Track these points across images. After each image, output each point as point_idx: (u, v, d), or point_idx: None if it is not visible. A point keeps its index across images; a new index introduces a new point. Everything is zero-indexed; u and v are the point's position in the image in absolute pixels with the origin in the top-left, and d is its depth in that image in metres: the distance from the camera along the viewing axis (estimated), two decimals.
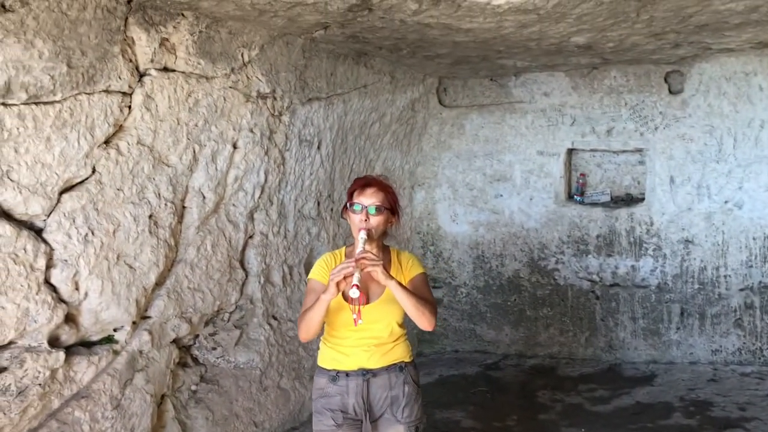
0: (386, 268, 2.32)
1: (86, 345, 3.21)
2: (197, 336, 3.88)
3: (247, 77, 3.79)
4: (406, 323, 2.53)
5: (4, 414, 2.70)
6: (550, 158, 5.84)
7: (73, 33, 2.75)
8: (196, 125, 3.54)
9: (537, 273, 5.98)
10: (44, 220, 2.89)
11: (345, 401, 2.37)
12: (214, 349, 3.98)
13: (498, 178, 6.03)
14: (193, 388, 3.80)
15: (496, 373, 5.60)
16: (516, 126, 5.89)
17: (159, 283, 3.50)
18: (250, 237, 4.14)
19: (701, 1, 3.28)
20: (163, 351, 3.56)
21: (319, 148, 4.61)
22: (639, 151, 5.63)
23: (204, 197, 3.70)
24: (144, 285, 3.37)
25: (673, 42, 4.28)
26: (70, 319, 3.06)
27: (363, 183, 2.43)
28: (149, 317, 3.47)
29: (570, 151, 5.86)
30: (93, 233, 3.07)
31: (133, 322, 3.36)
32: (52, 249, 2.91)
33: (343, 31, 3.80)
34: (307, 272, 4.69)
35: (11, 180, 2.69)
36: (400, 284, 2.28)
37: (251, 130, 3.92)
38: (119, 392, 3.23)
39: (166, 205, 3.45)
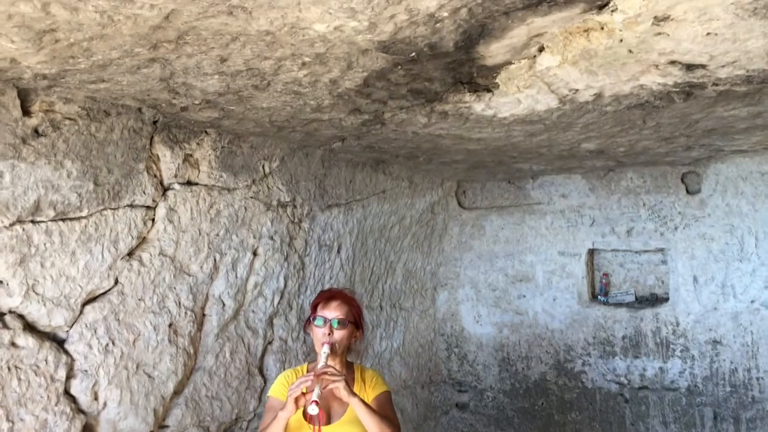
0: (349, 384, 2.24)
1: None
2: None
3: (268, 187, 3.94)
4: None
5: None
6: (571, 258, 5.82)
7: (101, 153, 2.92)
8: (218, 235, 3.65)
9: (564, 375, 5.83)
10: (67, 332, 2.96)
11: None
12: None
13: (520, 278, 6.01)
14: None
15: None
16: (536, 227, 5.93)
17: (177, 392, 3.51)
18: (269, 343, 4.16)
19: (704, 108, 3.36)
20: None
21: (339, 251, 4.69)
22: (660, 250, 5.59)
23: (224, 304, 3.76)
24: (162, 394, 3.38)
25: (684, 145, 4.34)
26: (88, 429, 3.07)
27: (327, 296, 2.41)
28: (167, 426, 3.45)
29: (591, 252, 5.84)
30: (113, 343, 3.12)
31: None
32: (73, 360, 2.96)
33: (360, 142, 3.96)
34: None
35: (36, 293, 2.79)
36: (363, 402, 2.18)
37: (271, 237, 4.02)
38: None
39: (186, 313, 3.51)
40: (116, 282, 3.14)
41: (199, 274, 3.58)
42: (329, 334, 2.29)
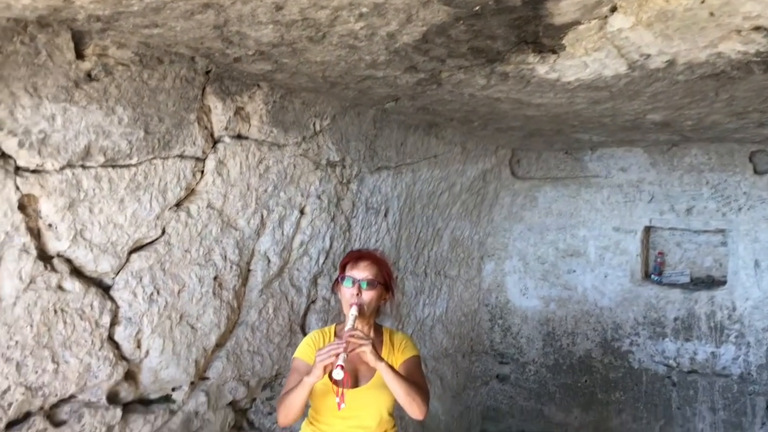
0: (377, 348, 2.14)
1: (144, 403, 3.24)
2: (254, 399, 3.85)
3: (318, 146, 3.86)
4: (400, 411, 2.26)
5: None
6: (626, 235, 5.62)
7: (152, 101, 2.88)
8: (266, 191, 3.60)
9: (610, 354, 5.68)
10: (113, 278, 2.97)
11: None
12: (270, 413, 3.93)
13: (571, 253, 5.84)
14: None
15: None
16: (591, 200, 5.73)
17: (219, 345, 3.51)
18: (313, 302, 4.13)
19: None
20: (219, 413, 3.54)
21: (386, 215, 4.61)
22: (721, 231, 5.34)
23: (269, 261, 3.73)
24: (204, 346, 3.38)
25: (757, 121, 4.08)
26: (129, 376, 3.10)
27: (356, 256, 2.30)
28: (207, 378, 3.47)
29: (648, 229, 5.62)
30: (158, 293, 3.12)
31: (191, 383, 3.37)
32: (117, 306, 2.97)
33: (414, 103, 3.83)
34: None
35: (84, 239, 2.79)
36: (391, 367, 2.08)
37: (319, 197, 3.96)
38: None
39: (231, 267, 3.49)
40: (163, 232, 3.12)
41: (245, 229, 3.55)
42: (357, 295, 2.18)
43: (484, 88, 3.34)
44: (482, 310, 6.13)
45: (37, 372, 2.65)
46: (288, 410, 2.07)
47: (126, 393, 3.09)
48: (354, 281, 2.20)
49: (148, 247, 3.08)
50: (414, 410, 2.09)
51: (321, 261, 4.09)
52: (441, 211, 5.32)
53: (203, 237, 3.32)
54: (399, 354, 2.25)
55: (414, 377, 2.17)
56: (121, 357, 3.01)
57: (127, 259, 3.00)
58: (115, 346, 2.99)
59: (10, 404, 2.58)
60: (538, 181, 5.92)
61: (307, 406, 2.19)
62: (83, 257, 2.81)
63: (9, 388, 2.56)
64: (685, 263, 5.65)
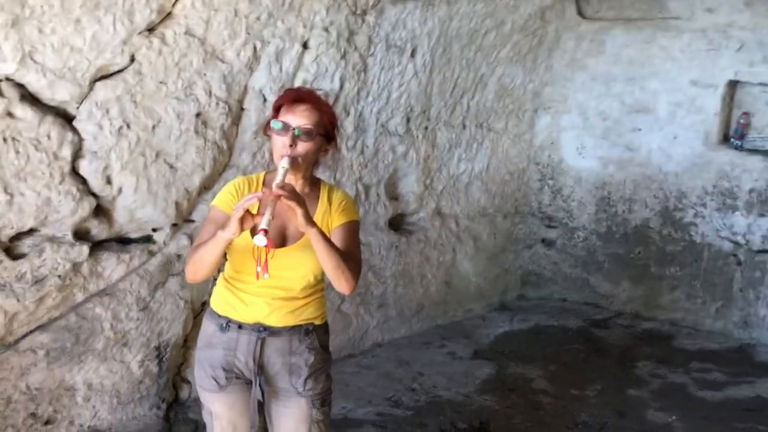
0: (310, 206, 1.89)
1: (124, 242, 3.24)
2: None
3: None
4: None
5: (18, 301, 2.78)
6: (705, 90, 5.02)
7: None
8: (258, 18, 3.31)
9: (670, 225, 5.29)
10: (76, 108, 2.85)
11: (230, 359, 1.96)
12: None
13: (638, 108, 5.31)
14: None
15: (601, 332, 5.12)
16: (668, 47, 5.09)
17: (207, 187, 3.42)
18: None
19: None
20: None
21: (412, 55, 4.24)
22: None
23: (265, 99, 3.51)
24: (186, 187, 3.30)
25: None
26: (102, 213, 3.08)
27: (293, 97, 1.95)
28: (193, 221, 3.42)
29: (732, 84, 4.99)
30: (129, 126, 3.00)
31: (174, 225, 3.33)
32: (81, 139, 2.88)
33: None
34: (388, 193, 4.49)
35: (35, 62, 2.64)
36: (323, 234, 1.83)
37: (326, 29, 3.63)
38: (148, 294, 3.25)
39: (217, 104, 3.31)
40: (132, 60, 2.94)
41: (235, 62, 3.31)
42: (291, 146, 1.87)
43: None
44: (531, 169, 5.78)
45: None
46: (197, 266, 1.87)
47: (98, 231, 3.08)
48: (287, 127, 1.89)
49: (115, 76, 2.92)
50: (341, 284, 1.88)
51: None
52: (486, 54, 4.87)
53: (182, 68, 3.12)
54: (336, 216, 1.99)
55: (348, 246, 1.94)
56: (89, 192, 2.96)
57: (91, 88, 2.86)
58: (81, 181, 2.93)
59: None
60: (608, 22, 5.28)
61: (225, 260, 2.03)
62: (36, 82, 2.69)
63: None
64: None
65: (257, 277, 1.91)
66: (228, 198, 1.97)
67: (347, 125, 4.01)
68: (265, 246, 1.73)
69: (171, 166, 3.21)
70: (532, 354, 4.58)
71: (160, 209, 3.21)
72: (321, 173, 3.87)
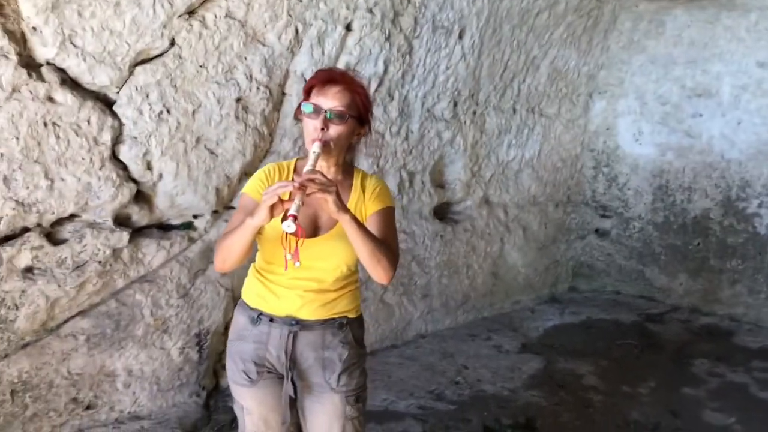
0: (343, 194, 1.81)
1: (165, 228, 3.23)
2: None
3: None
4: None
5: (59, 286, 2.80)
6: None
7: None
8: (300, 1, 3.25)
9: (732, 216, 5.05)
10: (117, 93, 2.84)
11: (261, 353, 1.91)
12: None
13: (700, 92, 5.07)
14: None
15: (656, 327, 4.93)
16: (733, 27, 4.84)
17: (248, 174, 3.37)
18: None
19: None
20: None
21: (460, 37, 4.11)
22: None
23: None
24: (227, 173, 3.26)
25: None
26: (144, 200, 3.07)
27: (324, 78, 1.87)
28: (233, 208, 3.38)
29: None
30: (168, 111, 2.97)
31: (215, 211, 3.30)
32: (122, 124, 2.86)
33: None
34: (433, 180, 4.39)
35: (74, 46, 2.64)
36: (356, 220, 1.74)
37: (370, 11, 3.55)
38: (188, 281, 3.24)
39: (258, 88, 3.26)
40: (172, 43, 2.91)
41: (276, 46, 3.26)
42: (322, 130, 1.79)
43: None
44: (585, 156, 5.59)
45: (28, 188, 2.64)
46: (226, 254, 1.81)
47: (138, 217, 3.07)
48: (318, 110, 1.81)
49: (155, 60, 2.90)
50: (378, 273, 1.80)
51: (373, 88, 3.75)
52: (538, 36, 4.71)
53: (222, 51, 3.08)
54: (370, 203, 1.90)
55: (383, 234, 1.85)
56: (129, 178, 2.95)
57: (131, 72, 2.84)
58: (122, 166, 2.92)
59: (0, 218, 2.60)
60: (668, 1, 5.04)
61: (255, 250, 1.97)
62: (76, 67, 2.68)
63: None
64: None
65: (285, 267, 1.84)
66: (258, 185, 1.90)
67: (391, 110, 3.92)
68: (294, 233, 1.65)
69: (211, 152, 3.18)
70: (583, 349, 4.43)
71: (201, 195, 3.19)
72: (362, 161, 3.83)
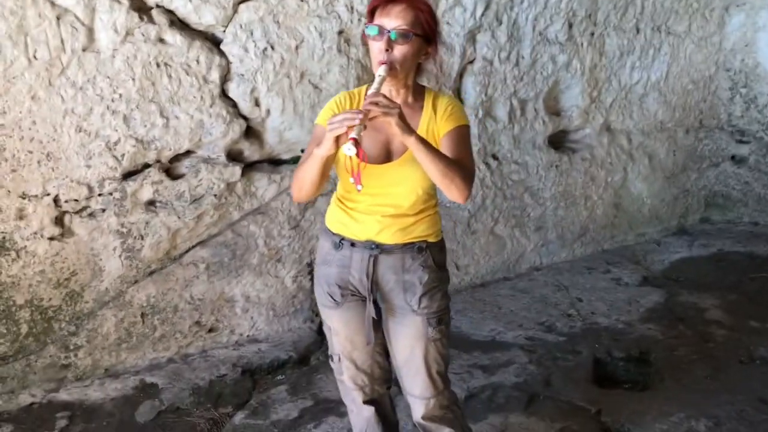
0: (413, 116, 1.81)
1: (276, 163, 3.39)
2: None
3: None
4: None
5: (179, 218, 3.04)
6: None
7: None
8: None
9: None
10: (223, 31, 2.98)
11: (344, 276, 1.97)
12: None
13: None
14: None
15: None
16: None
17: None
18: (470, 62, 3.81)
19: None
20: None
21: None
22: None
23: None
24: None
25: None
26: (254, 135, 3.23)
27: None
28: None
29: None
30: (273, 48, 3.08)
31: None
32: (229, 62, 3.01)
33: None
34: (547, 108, 4.27)
35: None
36: (422, 140, 1.73)
37: None
38: (299, 213, 3.40)
39: (360, 20, 3.29)
40: None
41: None
42: (387, 51, 1.76)
43: None
44: (720, 76, 5.20)
45: (146, 126, 2.86)
46: (300, 184, 1.86)
47: (250, 152, 3.24)
48: (382, 31, 1.79)
49: None
50: (453, 193, 1.79)
51: (479, 13, 3.67)
52: None
53: None
54: (442, 123, 1.88)
55: (458, 153, 1.83)
56: (238, 115, 3.11)
57: (235, 11, 2.96)
58: (231, 103, 3.08)
59: (122, 155, 2.84)
60: None
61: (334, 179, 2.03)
62: (182, 8, 2.84)
63: (119, 140, 2.82)
64: None
65: (357, 188, 1.87)
66: (329, 114, 1.92)
67: (500, 35, 3.82)
68: (356, 155, 1.68)
69: (315, 87, 3.27)
70: (711, 282, 4.24)
71: (307, 130, 3.30)
72: (471, 88, 3.79)
